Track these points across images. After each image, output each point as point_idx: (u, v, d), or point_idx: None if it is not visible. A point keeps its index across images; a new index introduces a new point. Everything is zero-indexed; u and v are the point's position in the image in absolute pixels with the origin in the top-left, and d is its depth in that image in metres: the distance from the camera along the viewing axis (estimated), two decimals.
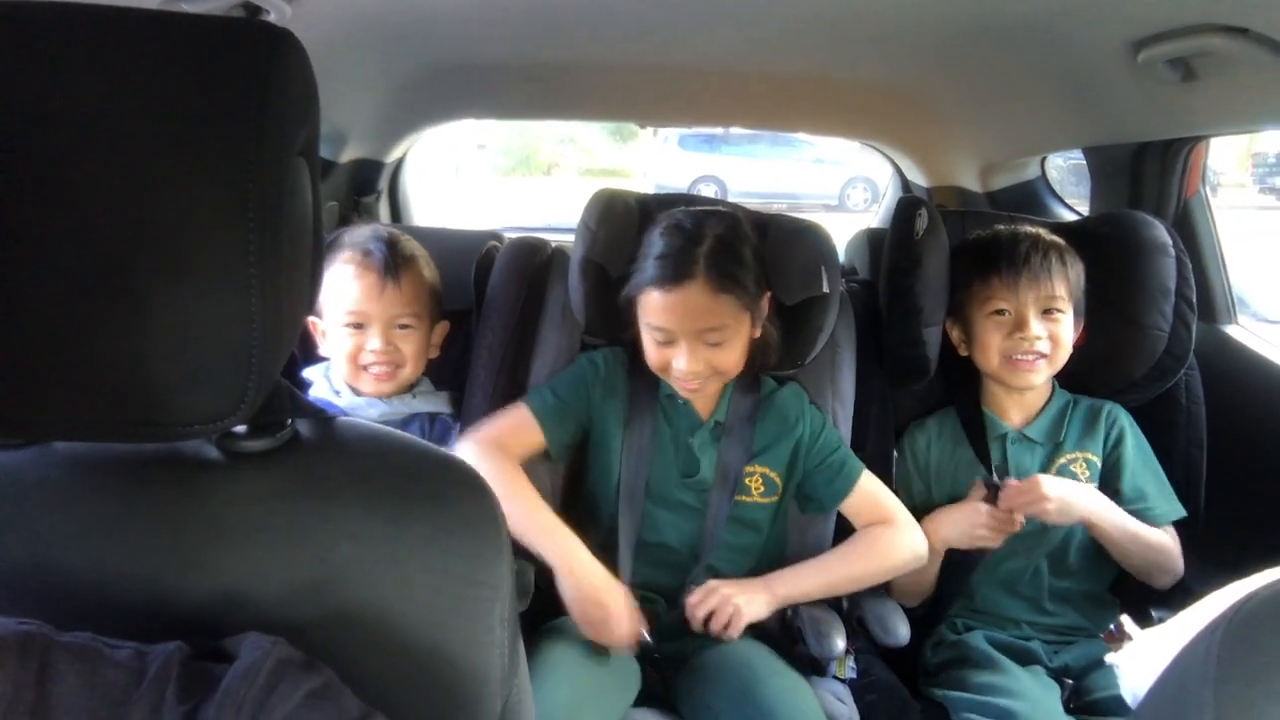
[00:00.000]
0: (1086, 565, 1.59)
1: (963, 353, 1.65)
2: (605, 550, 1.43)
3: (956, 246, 1.68)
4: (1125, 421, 1.63)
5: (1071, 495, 1.50)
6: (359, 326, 1.49)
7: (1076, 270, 1.58)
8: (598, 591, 1.33)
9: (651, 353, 1.43)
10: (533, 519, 1.38)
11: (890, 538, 1.49)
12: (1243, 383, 1.76)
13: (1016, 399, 1.64)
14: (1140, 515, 1.56)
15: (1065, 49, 1.58)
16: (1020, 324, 1.54)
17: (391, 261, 1.50)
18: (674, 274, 1.36)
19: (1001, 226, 1.67)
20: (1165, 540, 1.56)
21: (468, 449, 1.42)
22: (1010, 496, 1.50)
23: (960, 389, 1.70)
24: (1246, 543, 1.37)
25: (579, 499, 1.59)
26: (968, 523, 1.53)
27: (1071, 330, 1.57)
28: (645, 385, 1.51)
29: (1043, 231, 1.62)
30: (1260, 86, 1.32)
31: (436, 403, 1.61)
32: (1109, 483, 1.59)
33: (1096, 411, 1.63)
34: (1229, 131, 1.69)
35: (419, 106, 2.39)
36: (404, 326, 1.52)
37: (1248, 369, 1.77)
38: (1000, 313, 1.57)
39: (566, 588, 1.34)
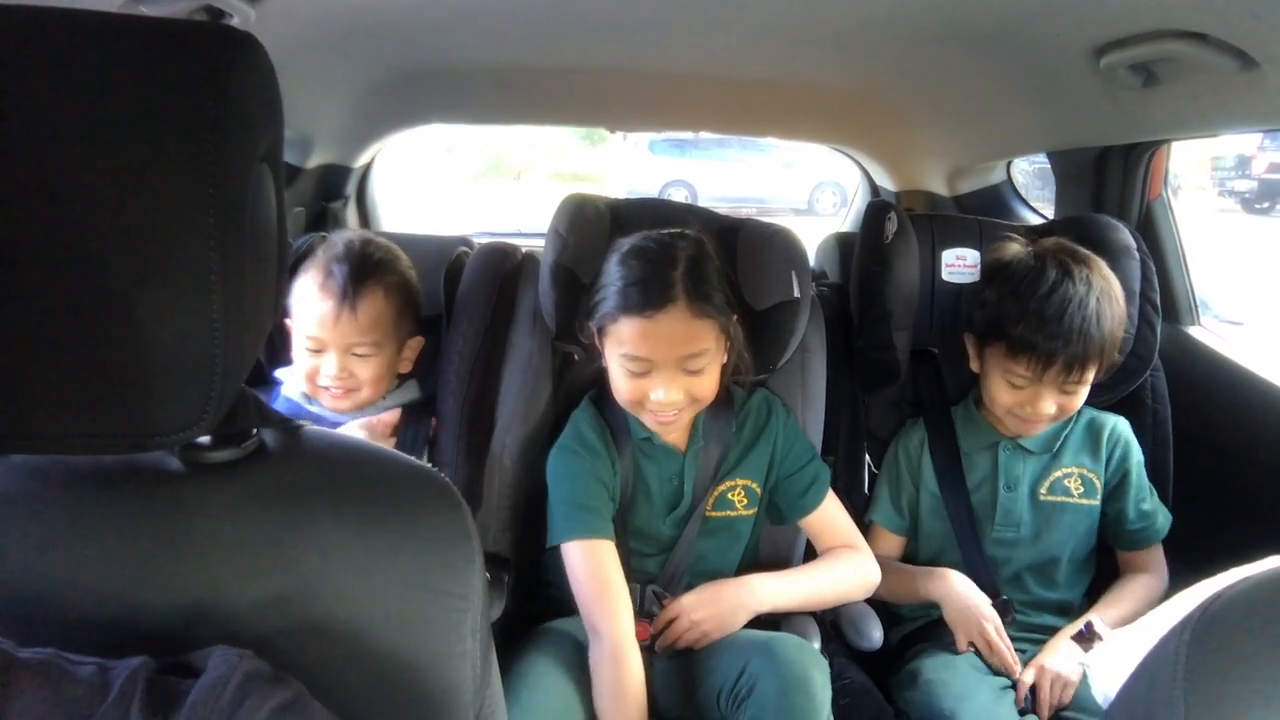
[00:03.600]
0: (1070, 579, 1.60)
1: (973, 368, 1.62)
2: None
3: (995, 267, 1.61)
4: (1133, 439, 1.61)
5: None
6: (317, 350, 1.47)
7: (1122, 323, 1.52)
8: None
9: (624, 386, 1.37)
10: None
11: (861, 564, 1.49)
12: (1206, 383, 1.78)
13: None
14: (1144, 533, 1.58)
15: (1030, 55, 1.60)
16: (1034, 400, 1.49)
17: (350, 289, 1.45)
18: (652, 299, 1.30)
19: (1052, 273, 1.48)
20: (1160, 582, 1.57)
21: (600, 661, 1.31)
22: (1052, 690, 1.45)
23: (940, 395, 1.69)
24: (1212, 541, 1.38)
25: None
26: (967, 607, 1.50)
27: (1086, 393, 1.52)
28: (620, 429, 1.47)
29: (1096, 289, 1.47)
30: (1219, 91, 1.35)
31: (404, 394, 1.59)
32: (1115, 502, 1.59)
33: (1100, 427, 1.61)
34: (1189, 135, 1.71)
35: (386, 111, 2.37)
36: (360, 354, 1.48)
37: (1210, 370, 1.80)
38: (1017, 384, 1.51)
39: None
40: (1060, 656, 1.47)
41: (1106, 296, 1.48)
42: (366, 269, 1.48)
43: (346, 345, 1.47)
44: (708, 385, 1.37)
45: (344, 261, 1.47)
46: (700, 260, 1.36)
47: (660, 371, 1.33)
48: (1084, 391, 1.51)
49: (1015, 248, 1.61)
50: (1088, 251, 1.54)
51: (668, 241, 1.37)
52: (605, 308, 1.36)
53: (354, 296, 1.45)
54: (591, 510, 1.39)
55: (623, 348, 1.34)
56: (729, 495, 1.49)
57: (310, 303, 1.45)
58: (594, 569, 1.35)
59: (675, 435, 1.47)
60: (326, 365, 1.47)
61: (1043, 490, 1.59)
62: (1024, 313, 1.47)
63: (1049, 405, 1.49)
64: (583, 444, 1.45)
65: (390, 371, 1.55)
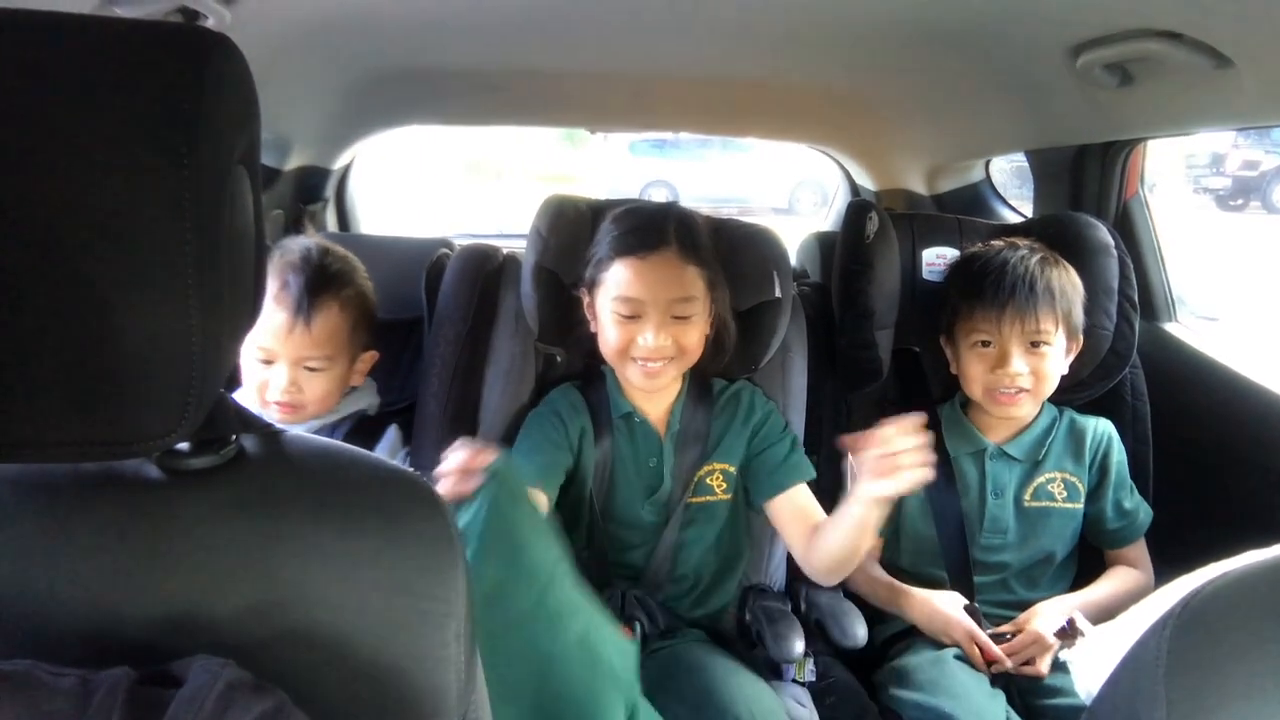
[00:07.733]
0: (1053, 579, 1.61)
1: (954, 370, 1.63)
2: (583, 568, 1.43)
3: (953, 263, 1.69)
4: (1115, 440, 1.62)
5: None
6: (267, 361, 1.42)
7: (1075, 291, 1.55)
8: None
9: (613, 335, 1.39)
10: None
11: None
12: (1183, 379, 1.80)
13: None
14: (1124, 531, 1.59)
15: (1007, 54, 1.61)
16: (1003, 359, 1.51)
17: (305, 301, 1.40)
18: (647, 241, 1.37)
19: (995, 246, 1.61)
20: (1145, 577, 1.57)
21: None
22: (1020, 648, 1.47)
23: (923, 394, 1.70)
24: (1193, 537, 1.40)
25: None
26: (944, 624, 1.50)
27: (1059, 362, 1.54)
28: (602, 409, 1.49)
29: (1038, 255, 1.56)
30: (1193, 90, 1.36)
31: (360, 399, 1.55)
32: (1096, 502, 1.60)
33: (1082, 430, 1.61)
34: (1165, 134, 1.73)
35: (365, 112, 2.36)
36: (312, 369, 1.43)
37: (1188, 365, 1.81)
38: (984, 344, 1.54)
39: None
40: (1039, 620, 1.47)
41: (1050, 261, 1.55)
42: (323, 281, 1.43)
43: (298, 358, 1.41)
44: (694, 337, 1.41)
45: (300, 272, 1.43)
46: (690, 218, 1.45)
47: (650, 315, 1.36)
48: (1051, 355, 1.52)
49: (977, 248, 1.67)
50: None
51: (656, 204, 1.51)
52: (599, 254, 1.41)
53: (309, 310, 1.40)
54: (548, 463, 1.42)
55: (615, 290, 1.38)
56: (708, 480, 1.50)
57: (264, 312, 1.40)
58: None
59: (656, 412, 1.49)
60: (276, 377, 1.41)
61: (1027, 496, 1.59)
62: (970, 279, 1.57)
63: (1019, 363, 1.50)
64: (554, 413, 1.48)
65: (340, 387, 1.50)
